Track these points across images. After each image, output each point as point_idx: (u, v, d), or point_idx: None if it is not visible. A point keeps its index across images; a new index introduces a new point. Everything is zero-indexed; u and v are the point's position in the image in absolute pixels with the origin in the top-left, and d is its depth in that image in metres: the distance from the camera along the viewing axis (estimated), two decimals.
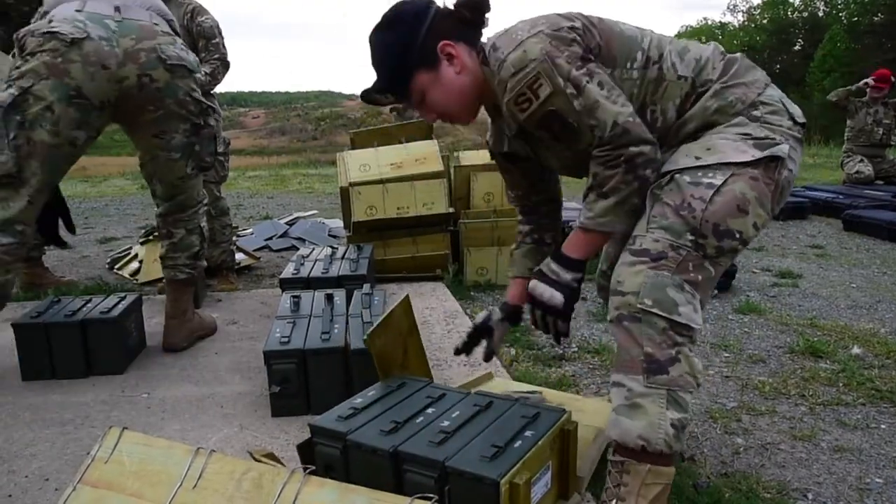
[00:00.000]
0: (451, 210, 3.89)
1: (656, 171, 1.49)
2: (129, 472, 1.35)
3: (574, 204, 6.02)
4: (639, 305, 1.42)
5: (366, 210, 3.75)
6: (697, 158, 1.47)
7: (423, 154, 3.98)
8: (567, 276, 1.56)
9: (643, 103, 1.55)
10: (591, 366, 2.66)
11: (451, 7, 1.59)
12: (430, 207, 3.80)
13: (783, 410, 2.26)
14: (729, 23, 46.12)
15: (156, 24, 2.44)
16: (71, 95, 2.26)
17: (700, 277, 1.45)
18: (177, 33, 2.57)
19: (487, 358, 1.91)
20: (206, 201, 2.81)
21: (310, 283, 3.00)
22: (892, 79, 7.38)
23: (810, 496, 1.77)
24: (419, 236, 3.85)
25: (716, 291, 3.64)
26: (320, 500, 1.22)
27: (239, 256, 4.21)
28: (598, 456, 1.71)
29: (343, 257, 3.35)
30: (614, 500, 1.46)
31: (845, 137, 7.54)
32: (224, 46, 3.69)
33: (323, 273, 3.09)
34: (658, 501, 1.44)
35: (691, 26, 49.47)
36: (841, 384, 2.48)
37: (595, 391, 2.41)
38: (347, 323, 2.37)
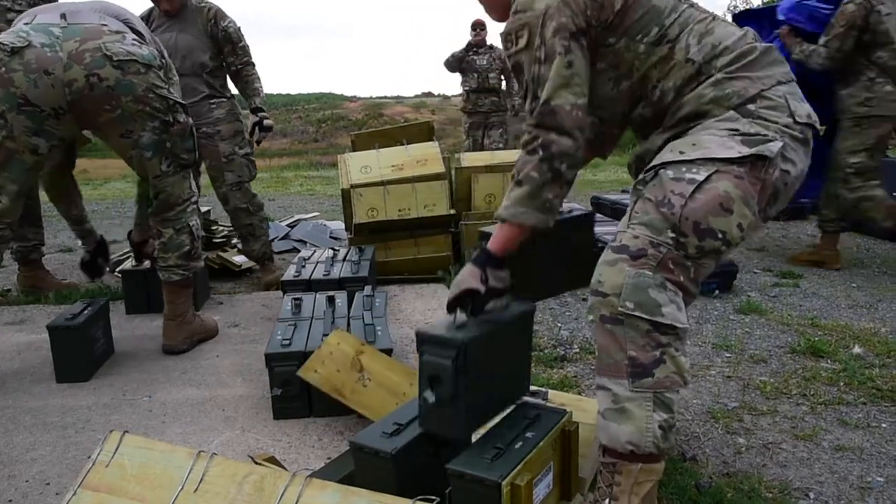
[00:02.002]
0: (452, 211, 3.89)
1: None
2: (131, 475, 1.35)
3: (575, 205, 6.02)
4: (620, 308, 1.39)
5: (367, 212, 3.75)
6: (681, 153, 1.43)
7: (424, 156, 3.98)
8: (503, 276, 1.51)
9: (645, 77, 1.52)
10: (592, 367, 2.65)
11: None
12: (432, 209, 3.80)
13: (785, 410, 2.26)
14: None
15: (104, 24, 2.43)
16: (19, 103, 2.31)
17: (682, 277, 1.42)
18: (137, 33, 2.54)
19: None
20: (194, 199, 2.76)
21: (311, 286, 3.00)
22: None
23: (812, 495, 1.77)
24: (420, 238, 3.85)
25: (717, 292, 3.64)
26: (322, 502, 1.22)
27: (240, 259, 4.21)
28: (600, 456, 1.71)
29: (344, 259, 3.35)
30: (607, 500, 1.44)
31: None
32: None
33: (324, 275, 3.10)
34: (650, 496, 1.44)
35: None
36: (842, 383, 2.47)
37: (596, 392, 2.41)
38: (349, 325, 2.37)
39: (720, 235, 1.39)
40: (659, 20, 1.50)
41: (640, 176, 1.48)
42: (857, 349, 2.79)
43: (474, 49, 7.42)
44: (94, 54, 2.34)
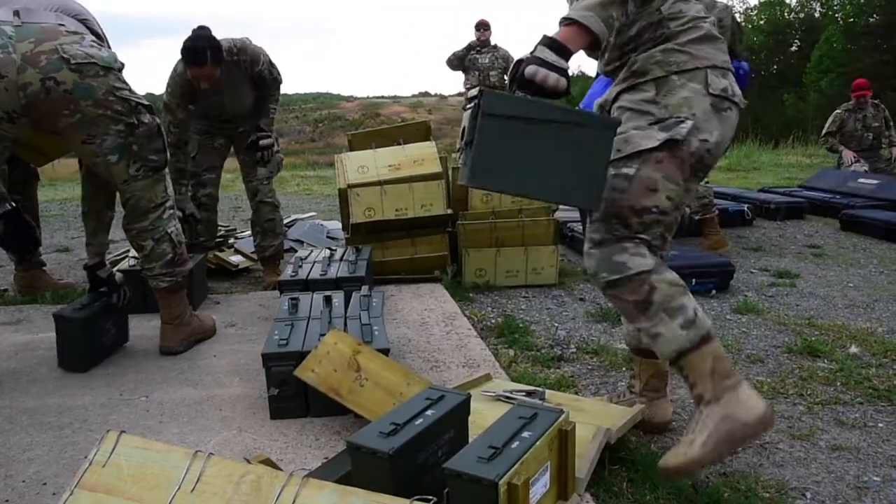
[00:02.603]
0: (449, 211, 3.89)
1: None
2: (127, 475, 1.34)
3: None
4: (603, 281, 1.75)
5: (364, 212, 3.75)
6: (619, 151, 1.71)
7: (421, 156, 3.98)
8: (563, 62, 1.57)
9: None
10: (589, 366, 2.66)
11: None
12: (429, 209, 3.80)
13: (781, 410, 2.26)
14: None
15: (61, 24, 2.33)
16: None
17: (639, 243, 1.74)
18: (95, 33, 2.47)
19: None
20: (169, 203, 2.66)
21: (308, 285, 3.00)
22: (868, 85, 7.55)
23: (809, 495, 1.77)
24: (418, 238, 3.85)
25: (713, 291, 3.65)
26: (319, 502, 1.21)
27: (237, 259, 4.21)
28: (596, 456, 1.71)
29: (341, 259, 3.35)
30: (697, 398, 1.70)
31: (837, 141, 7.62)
32: None
33: (321, 275, 3.09)
34: (720, 369, 1.69)
35: None
36: (839, 383, 2.48)
37: (594, 391, 2.41)
38: (346, 325, 2.37)
39: (654, 209, 1.73)
40: None
41: None
42: (853, 349, 2.80)
43: (477, 48, 7.45)
44: (49, 56, 2.24)
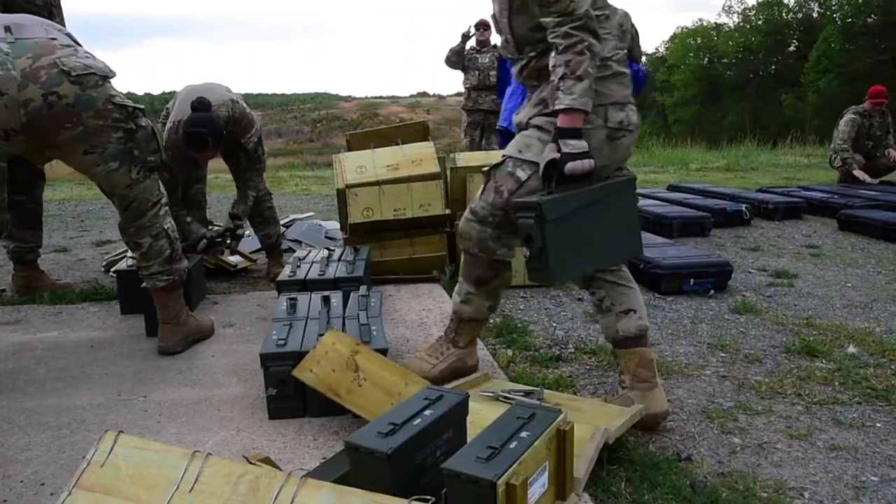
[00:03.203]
0: (447, 211, 3.89)
1: None
2: (126, 475, 1.34)
3: None
4: (465, 246, 2.20)
5: (362, 212, 3.75)
6: (520, 152, 2.04)
7: (419, 156, 3.98)
8: (584, 144, 1.88)
9: None
10: (587, 366, 2.66)
11: None
12: (427, 209, 3.80)
13: (779, 410, 2.27)
14: (724, 24, 46.18)
15: (52, 38, 2.32)
16: None
17: (510, 235, 2.13)
18: (78, 44, 2.46)
19: None
20: (163, 200, 2.68)
21: (306, 285, 2.99)
22: (886, 93, 7.47)
23: (807, 495, 1.77)
24: (416, 238, 3.85)
25: (712, 291, 3.65)
26: (317, 502, 1.21)
27: (235, 259, 4.21)
28: (595, 456, 1.71)
29: (340, 259, 3.35)
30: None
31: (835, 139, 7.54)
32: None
33: (320, 275, 3.09)
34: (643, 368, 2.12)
35: (686, 27, 49.53)
36: (837, 383, 2.48)
37: (592, 391, 2.42)
38: (344, 325, 2.37)
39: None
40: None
41: (501, 158, 2.10)
42: (851, 349, 2.80)
43: (476, 48, 7.46)
44: (49, 71, 2.24)
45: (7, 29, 2.26)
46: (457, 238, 3.87)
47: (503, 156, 2.09)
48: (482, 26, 7.43)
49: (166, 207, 2.70)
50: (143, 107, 2.54)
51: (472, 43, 7.57)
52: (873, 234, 5.24)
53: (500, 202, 2.07)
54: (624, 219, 1.98)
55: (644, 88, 5.22)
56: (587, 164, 1.86)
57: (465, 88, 7.59)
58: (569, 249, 1.85)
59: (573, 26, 1.84)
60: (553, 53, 1.90)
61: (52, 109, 2.26)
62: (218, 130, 3.39)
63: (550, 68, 1.90)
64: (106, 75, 2.39)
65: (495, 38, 7.56)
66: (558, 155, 1.86)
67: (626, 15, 3.94)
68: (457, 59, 7.53)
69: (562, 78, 1.86)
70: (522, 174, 2.02)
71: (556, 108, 1.87)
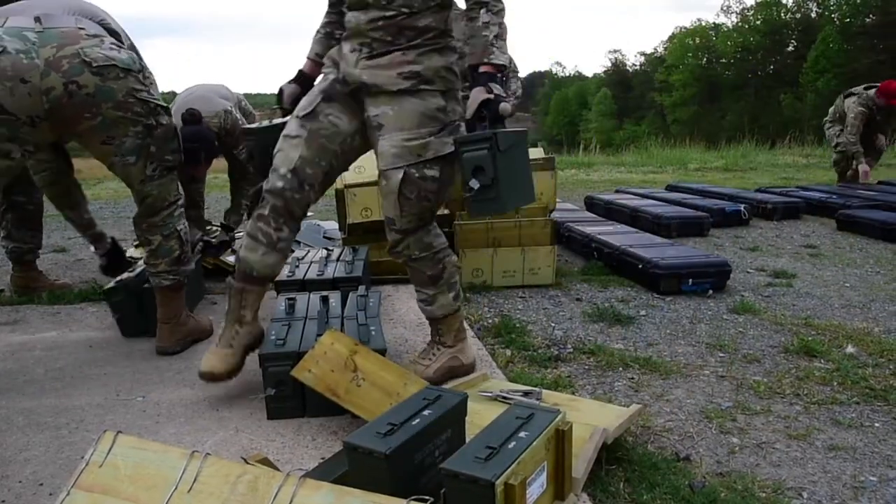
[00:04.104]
0: (445, 212, 3.89)
1: None
2: (124, 476, 1.34)
3: (569, 205, 6.04)
4: (411, 256, 2.28)
5: (361, 212, 3.75)
6: (419, 156, 2.12)
7: None
8: (497, 87, 2.05)
9: None
10: (586, 366, 2.66)
11: None
12: None
13: (778, 410, 2.27)
14: (723, 24, 46.23)
15: (81, 27, 2.34)
16: None
17: (434, 224, 2.31)
18: (114, 33, 2.49)
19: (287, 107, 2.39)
20: (180, 202, 2.69)
21: (305, 286, 2.99)
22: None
23: (805, 495, 1.77)
24: None
25: (710, 291, 3.65)
26: (316, 502, 1.21)
27: (233, 259, 4.20)
28: (594, 456, 1.71)
29: (338, 259, 3.34)
30: (438, 345, 2.40)
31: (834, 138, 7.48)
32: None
33: (318, 275, 3.09)
34: (459, 329, 2.43)
35: (685, 27, 49.58)
36: (835, 383, 2.48)
37: (591, 391, 2.42)
38: (343, 325, 2.37)
39: (447, 199, 2.48)
40: None
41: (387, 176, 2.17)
42: (850, 349, 2.80)
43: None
44: (71, 61, 2.26)
45: (37, 19, 2.30)
46: (455, 239, 3.91)
47: (388, 168, 2.14)
48: None
49: (182, 209, 2.71)
50: (166, 105, 2.57)
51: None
52: (872, 234, 5.24)
53: (428, 205, 2.20)
54: (526, 166, 2.13)
55: None
56: (510, 106, 2.06)
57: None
58: (509, 183, 1.99)
59: None
60: (483, 11, 2.08)
61: (73, 98, 2.29)
62: (209, 144, 3.43)
63: (481, 24, 2.07)
64: (129, 68, 2.39)
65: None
66: (492, 96, 2.00)
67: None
68: None
69: (497, 37, 2.06)
70: (434, 171, 2.14)
71: (494, 62, 2.06)
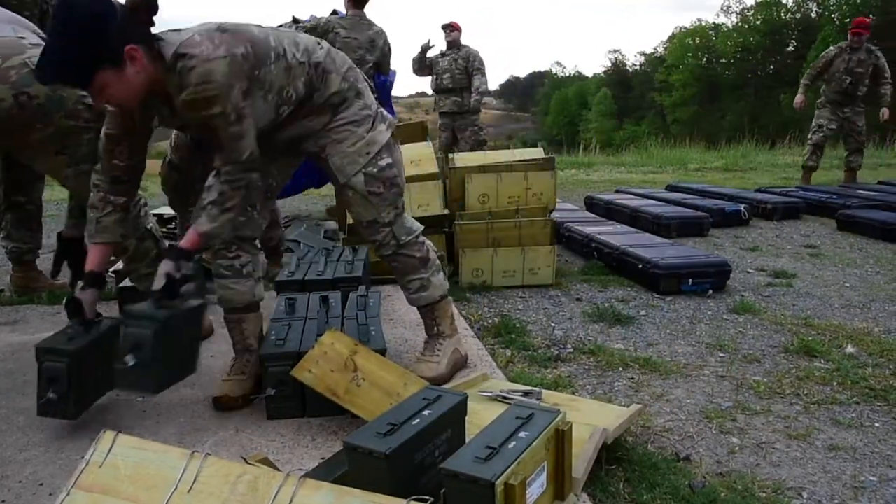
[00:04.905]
0: (446, 211, 3.89)
1: None
2: (124, 476, 1.34)
3: (569, 205, 6.03)
4: (400, 243, 2.30)
5: None
6: (368, 154, 2.17)
7: (418, 156, 3.98)
8: (176, 269, 1.94)
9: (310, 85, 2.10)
10: (586, 366, 2.66)
11: (130, 8, 1.82)
12: (426, 209, 3.80)
13: (778, 410, 2.27)
14: (723, 24, 46.22)
15: (21, 37, 2.30)
16: None
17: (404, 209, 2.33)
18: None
19: (87, 325, 2.14)
20: (142, 201, 2.61)
21: (305, 286, 2.99)
22: (868, 24, 7.51)
23: (805, 495, 1.77)
24: None
25: (710, 291, 3.65)
26: (316, 502, 1.21)
27: None
28: (593, 456, 1.71)
29: (338, 259, 3.34)
30: (438, 336, 2.44)
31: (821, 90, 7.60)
32: None
33: (318, 275, 3.09)
34: (451, 315, 2.49)
35: (685, 27, 49.57)
36: (835, 383, 2.48)
37: (591, 391, 2.42)
38: (343, 325, 2.37)
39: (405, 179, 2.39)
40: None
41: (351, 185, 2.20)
42: (850, 349, 2.80)
43: (441, 51, 7.52)
44: (20, 71, 2.22)
45: None
46: (455, 239, 3.91)
47: (349, 178, 2.18)
48: (447, 28, 7.48)
49: (146, 208, 2.66)
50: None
51: (442, 46, 7.61)
52: (872, 234, 5.24)
53: (397, 190, 2.25)
54: (193, 340, 2.11)
55: (390, 94, 5.66)
56: (192, 286, 1.98)
57: (433, 91, 7.73)
58: (168, 363, 1.94)
59: (238, 168, 1.95)
60: (213, 175, 2.02)
61: (24, 110, 2.25)
62: None
63: (206, 186, 2.03)
64: None
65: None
66: (178, 275, 1.93)
67: (381, 33, 4.87)
68: (418, 67, 7.65)
69: (213, 203, 1.96)
70: (387, 159, 2.21)
71: (198, 229, 1.96)
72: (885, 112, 7.31)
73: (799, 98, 7.62)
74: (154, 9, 1.85)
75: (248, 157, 1.95)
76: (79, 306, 2.11)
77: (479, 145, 7.35)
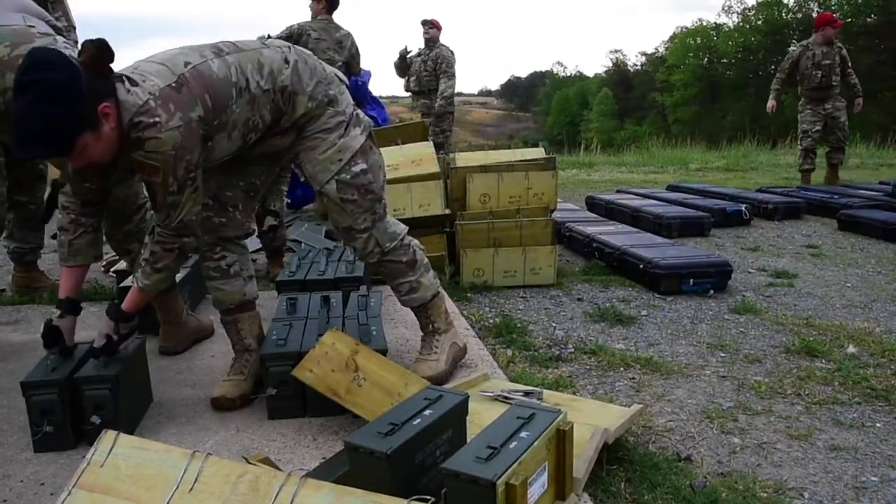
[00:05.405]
0: (447, 211, 3.89)
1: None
2: (125, 475, 1.34)
3: (570, 205, 6.03)
4: (384, 250, 2.27)
5: None
6: (340, 161, 2.14)
7: (419, 156, 3.98)
8: (134, 324, 2.10)
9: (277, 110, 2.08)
10: (587, 366, 2.66)
11: (91, 66, 1.78)
12: (427, 209, 3.80)
13: (779, 410, 2.27)
14: (724, 24, 46.18)
15: (31, 26, 2.28)
16: None
17: (385, 212, 2.30)
18: (59, 31, 2.42)
19: (65, 353, 2.12)
20: (148, 204, 2.59)
21: (306, 286, 2.99)
22: (833, 19, 7.50)
23: (807, 495, 1.77)
24: (415, 238, 3.84)
25: (711, 291, 3.65)
26: (317, 502, 1.21)
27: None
28: (594, 456, 1.71)
29: (339, 259, 3.34)
30: (434, 332, 2.42)
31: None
32: None
33: (319, 275, 3.09)
34: (446, 311, 2.47)
35: (686, 27, 49.54)
36: (836, 383, 2.48)
37: (592, 391, 2.42)
38: (344, 325, 2.37)
39: (384, 181, 2.33)
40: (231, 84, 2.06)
41: (324, 192, 2.18)
42: (851, 349, 2.80)
43: (419, 50, 7.47)
44: None
45: None
46: (456, 239, 3.91)
47: (322, 185, 2.17)
48: (425, 24, 7.40)
49: (151, 212, 2.64)
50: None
51: (421, 43, 7.54)
52: (873, 234, 5.23)
53: (373, 196, 2.21)
54: (142, 373, 2.27)
55: (366, 95, 5.97)
56: (134, 343, 2.12)
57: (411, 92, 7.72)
58: (129, 408, 2.08)
59: (170, 233, 1.99)
60: (148, 236, 2.07)
61: None
62: None
63: (145, 242, 2.10)
64: None
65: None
66: (115, 337, 2.04)
67: (348, 35, 5.27)
68: (399, 71, 7.61)
69: (147, 261, 2.03)
70: (361, 165, 2.18)
71: (136, 285, 2.05)
72: (859, 102, 7.37)
73: (770, 103, 7.67)
74: (110, 58, 1.81)
75: (178, 226, 1.97)
76: (58, 334, 2.10)
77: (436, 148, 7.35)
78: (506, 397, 2.04)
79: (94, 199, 2.14)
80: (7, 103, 2.21)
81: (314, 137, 2.14)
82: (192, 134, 1.85)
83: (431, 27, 7.33)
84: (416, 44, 7.55)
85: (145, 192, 2.60)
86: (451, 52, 7.37)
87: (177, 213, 1.95)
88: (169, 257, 2.01)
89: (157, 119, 1.79)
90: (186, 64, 1.89)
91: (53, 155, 1.94)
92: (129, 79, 1.83)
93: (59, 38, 2.35)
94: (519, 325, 3.13)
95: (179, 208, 1.94)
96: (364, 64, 5.61)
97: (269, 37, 4.90)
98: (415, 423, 1.49)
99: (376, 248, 2.26)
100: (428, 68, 7.32)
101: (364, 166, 2.18)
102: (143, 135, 1.79)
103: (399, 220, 3.67)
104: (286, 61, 2.08)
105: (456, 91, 7.44)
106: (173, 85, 1.84)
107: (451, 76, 7.28)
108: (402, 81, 7.74)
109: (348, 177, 2.16)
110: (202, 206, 2.16)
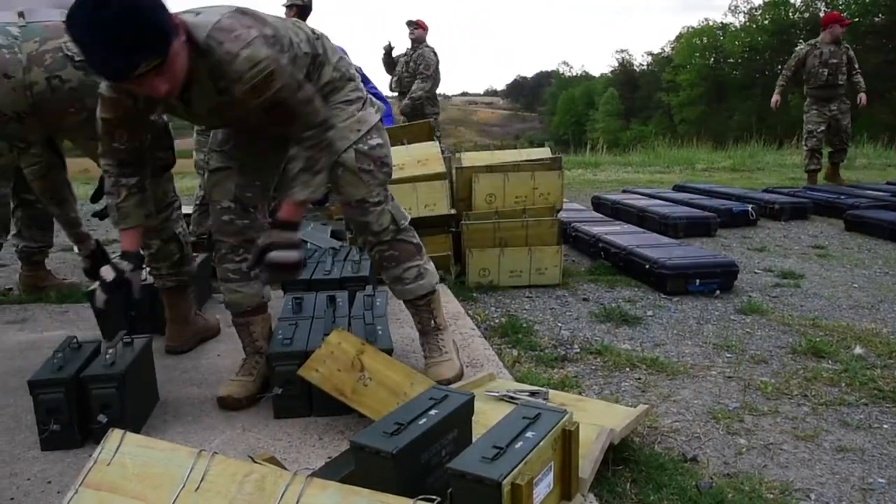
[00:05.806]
0: (453, 211, 3.89)
1: None
2: (132, 474, 1.35)
3: (576, 205, 6.03)
4: (399, 228, 2.26)
5: None
6: (359, 131, 2.16)
7: (424, 155, 3.98)
8: (295, 237, 1.99)
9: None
10: (593, 366, 2.66)
11: None
12: (433, 209, 3.80)
13: (786, 411, 2.26)
14: (730, 23, 46.07)
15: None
16: None
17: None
18: None
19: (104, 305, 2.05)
20: (176, 204, 2.64)
21: (312, 285, 3.00)
22: (839, 18, 7.54)
23: (813, 496, 1.77)
24: (421, 237, 3.84)
25: (718, 292, 3.64)
26: (323, 502, 1.22)
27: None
28: (600, 456, 1.71)
29: (345, 259, 3.35)
30: (433, 324, 2.40)
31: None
32: None
33: (325, 275, 3.09)
34: (441, 304, 2.46)
35: (692, 27, 49.41)
36: (843, 384, 2.47)
37: (598, 392, 2.41)
38: (350, 325, 2.37)
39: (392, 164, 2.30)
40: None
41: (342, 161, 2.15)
42: (858, 350, 2.79)
43: (406, 50, 7.46)
44: (54, 55, 2.24)
45: (21, 14, 2.28)
46: (462, 239, 3.91)
47: (340, 154, 2.13)
48: (409, 25, 7.38)
49: (179, 212, 2.67)
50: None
51: (408, 44, 7.51)
52: (880, 234, 5.21)
53: (387, 170, 2.23)
54: (150, 377, 2.28)
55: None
56: (294, 255, 1.95)
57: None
58: (135, 407, 2.07)
59: (319, 130, 1.96)
60: (293, 144, 1.97)
61: (56, 93, 2.27)
62: None
63: (291, 154, 1.98)
64: None
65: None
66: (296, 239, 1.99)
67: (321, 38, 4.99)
68: (387, 67, 7.63)
69: (302, 170, 1.95)
70: (377, 139, 2.19)
71: (295, 198, 1.96)
72: (862, 97, 7.34)
73: (775, 98, 7.72)
74: None
75: (322, 121, 1.97)
76: (129, 286, 2.07)
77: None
78: (511, 397, 2.04)
79: (126, 159, 2.08)
80: (35, 97, 2.26)
81: (335, 107, 2.16)
82: (273, 42, 1.84)
83: (416, 27, 7.33)
84: (404, 44, 7.55)
85: (174, 193, 2.65)
86: (435, 54, 7.35)
87: (314, 105, 1.94)
88: (323, 156, 1.98)
89: (238, 32, 1.76)
90: (240, 8, 1.89)
91: (156, 55, 1.64)
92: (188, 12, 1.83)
93: None
94: (524, 325, 3.13)
95: (313, 101, 1.94)
96: (362, 64, 5.61)
97: None
98: (420, 422, 1.49)
99: (391, 225, 2.24)
100: (410, 69, 7.33)
101: (380, 141, 2.21)
102: (230, 49, 1.75)
103: None
104: (314, 33, 2.16)
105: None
106: (239, 10, 1.84)
107: (426, 78, 7.26)
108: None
109: (366, 147, 2.17)
110: (224, 210, 2.21)
